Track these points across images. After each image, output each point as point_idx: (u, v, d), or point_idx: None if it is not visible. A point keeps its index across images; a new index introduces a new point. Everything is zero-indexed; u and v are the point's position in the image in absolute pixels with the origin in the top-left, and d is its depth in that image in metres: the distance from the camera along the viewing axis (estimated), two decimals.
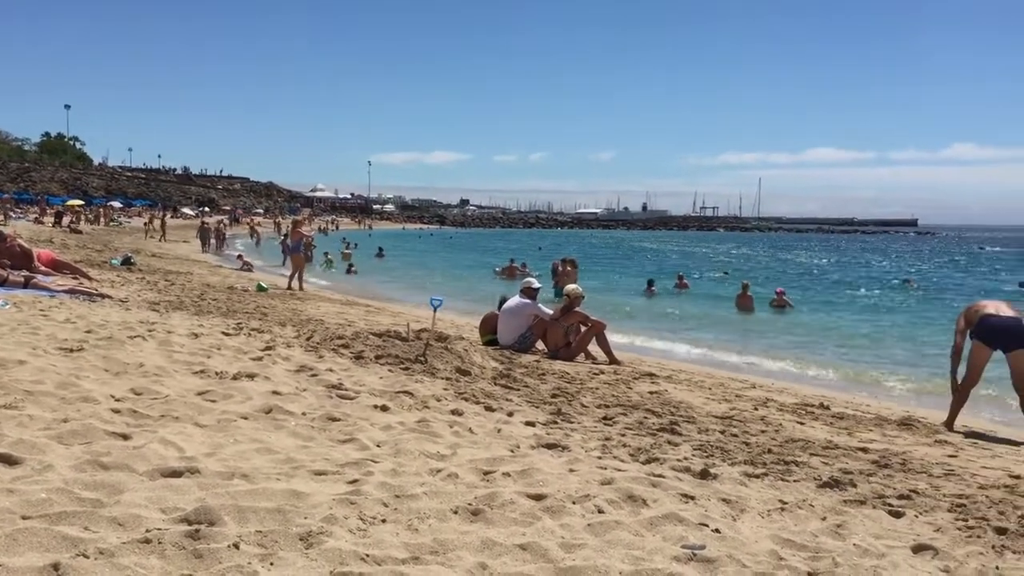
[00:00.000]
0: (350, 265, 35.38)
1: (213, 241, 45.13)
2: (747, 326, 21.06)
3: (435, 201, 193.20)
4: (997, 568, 3.94)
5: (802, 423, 7.97)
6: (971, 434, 8.44)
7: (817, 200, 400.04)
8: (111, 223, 63.17)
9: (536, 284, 12.44)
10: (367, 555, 3.40)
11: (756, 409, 8.51)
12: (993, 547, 4.26)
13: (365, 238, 70.41)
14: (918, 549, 4.13)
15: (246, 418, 5.59)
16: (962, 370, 8.92)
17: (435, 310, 10.17)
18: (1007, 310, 8.87)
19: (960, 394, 8.84)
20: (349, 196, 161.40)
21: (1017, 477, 6.24)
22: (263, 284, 20.15)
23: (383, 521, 3.83)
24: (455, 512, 4.01)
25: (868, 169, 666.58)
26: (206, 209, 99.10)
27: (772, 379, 12.64)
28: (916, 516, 4.75)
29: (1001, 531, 4.52)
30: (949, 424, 8.68)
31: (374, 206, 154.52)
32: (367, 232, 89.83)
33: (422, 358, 8.64)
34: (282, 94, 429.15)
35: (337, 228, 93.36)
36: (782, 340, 18.05)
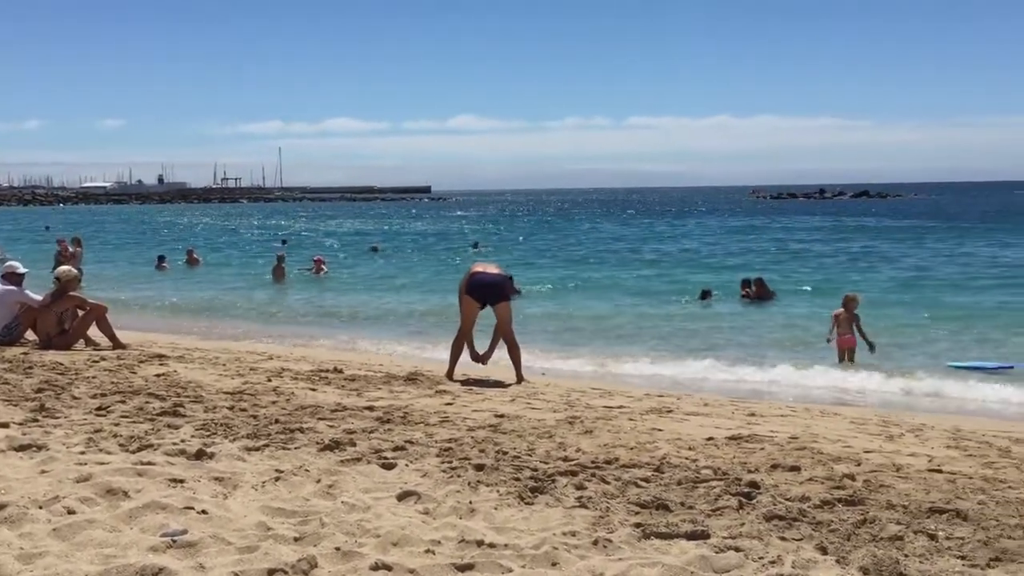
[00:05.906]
0: None
1: None
2: (282, 292, 21.71)
3: None
4: (470, 503, 4.31)
5: (315, 389, 8.08)
6: (468, 381, 9.20)
7: (340, 169, 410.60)
8: None
9: (21, 268, 11.08)
10: None
11: (270, 380, 8.45)
12: (469, 484, 4.65)
13: None
14: (403, 496, 4.37)
15: None
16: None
17: None
18: (493, 269, 9.87)
19: (455, 346, 9.62)
20: None
21: (501, 416, 6.95)
22: None
23: None
24: None
25: (385, 139, 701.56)
26: None
27: (293, 346, 12.70)
28: (407, 465, 5.03)
29: (479, 467, 4.97)
30: (449, 375, 9.41)
31: None
32: None
33: None
34: None
35: None
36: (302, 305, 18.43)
